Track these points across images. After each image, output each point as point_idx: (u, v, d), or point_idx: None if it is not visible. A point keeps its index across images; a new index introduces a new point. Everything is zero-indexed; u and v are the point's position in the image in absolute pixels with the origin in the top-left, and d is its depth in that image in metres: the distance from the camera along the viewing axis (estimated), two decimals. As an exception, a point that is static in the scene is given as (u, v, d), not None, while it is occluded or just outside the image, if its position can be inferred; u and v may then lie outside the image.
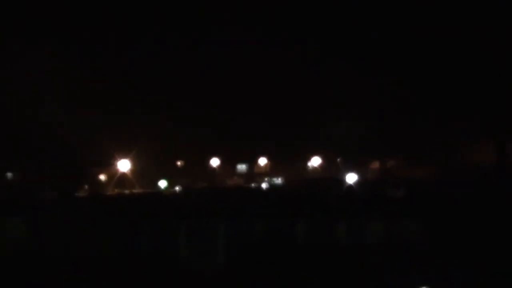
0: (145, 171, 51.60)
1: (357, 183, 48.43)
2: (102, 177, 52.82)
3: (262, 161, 56.39)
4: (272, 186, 53.69)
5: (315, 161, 54.94)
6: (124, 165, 51.19)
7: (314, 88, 51.43)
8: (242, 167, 56.53)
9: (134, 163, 51.10)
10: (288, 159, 54.88)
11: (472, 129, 49.68)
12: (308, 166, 55.03)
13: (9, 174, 51.05)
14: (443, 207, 40.43)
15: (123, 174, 51.08)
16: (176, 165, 55.09)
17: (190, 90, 51.97)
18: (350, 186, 47.87)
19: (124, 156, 50.33)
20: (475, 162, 49.05)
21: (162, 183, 52.89)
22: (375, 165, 54.49)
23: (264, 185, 53.68)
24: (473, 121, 49.75)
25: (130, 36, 50.62)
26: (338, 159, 53.36)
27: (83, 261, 38.48)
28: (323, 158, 54.65)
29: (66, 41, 49.67)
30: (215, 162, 54.89)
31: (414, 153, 52.02)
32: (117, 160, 50.68)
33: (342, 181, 48.56)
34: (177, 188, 52.74)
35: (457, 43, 49.17)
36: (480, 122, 49.45)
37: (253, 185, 54.54)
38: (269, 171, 55.78)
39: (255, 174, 56.12)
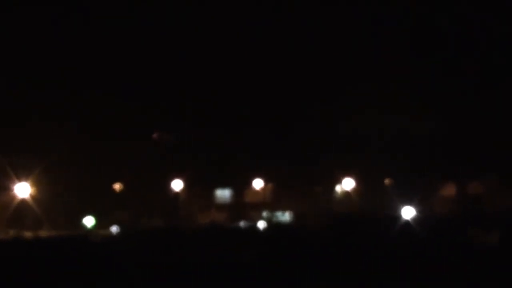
0: (60, 202, 46.02)
1: (419, 221, 41.61)
2: (-14, 210, 48.56)
3: (258, 184, 50.11)
4: (275, 226, 47.43)
5: (346, 184, 49.30)
6: (23, 191, 45.00)
7: (341, 60, 45.29)
8: (223, 194, 50.49)
9: (41, 187, 45.47)
10: (300, 181, 48.83)
11: None
12: (335, 193, 49.90)
13: None
14: None
15: (22, 206, 45.09)
16: (113, 191, 49.43)
17: (137, 76, 46.45)
18: (406, 225, 40.89)
19: (25, 177, 44.71)
20: None
21: (89, 221, 47.10)
22: (450, 190, 49.05)
23: (261, 224, 47.37)
24: None
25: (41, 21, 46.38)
26: (386, 181, 48.88)
27: None
28: (359, 179, 49.05)
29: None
30: (177, 185, 48.76)
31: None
32: (13, 184, 44.80)
33: (394, 217, 41.71)
34: (113, 229, 46.55)
35: None
36: None
37: (242, 223, 48.63)
38: (270, 201, 50.17)
39: (246, 205, 50.42)
